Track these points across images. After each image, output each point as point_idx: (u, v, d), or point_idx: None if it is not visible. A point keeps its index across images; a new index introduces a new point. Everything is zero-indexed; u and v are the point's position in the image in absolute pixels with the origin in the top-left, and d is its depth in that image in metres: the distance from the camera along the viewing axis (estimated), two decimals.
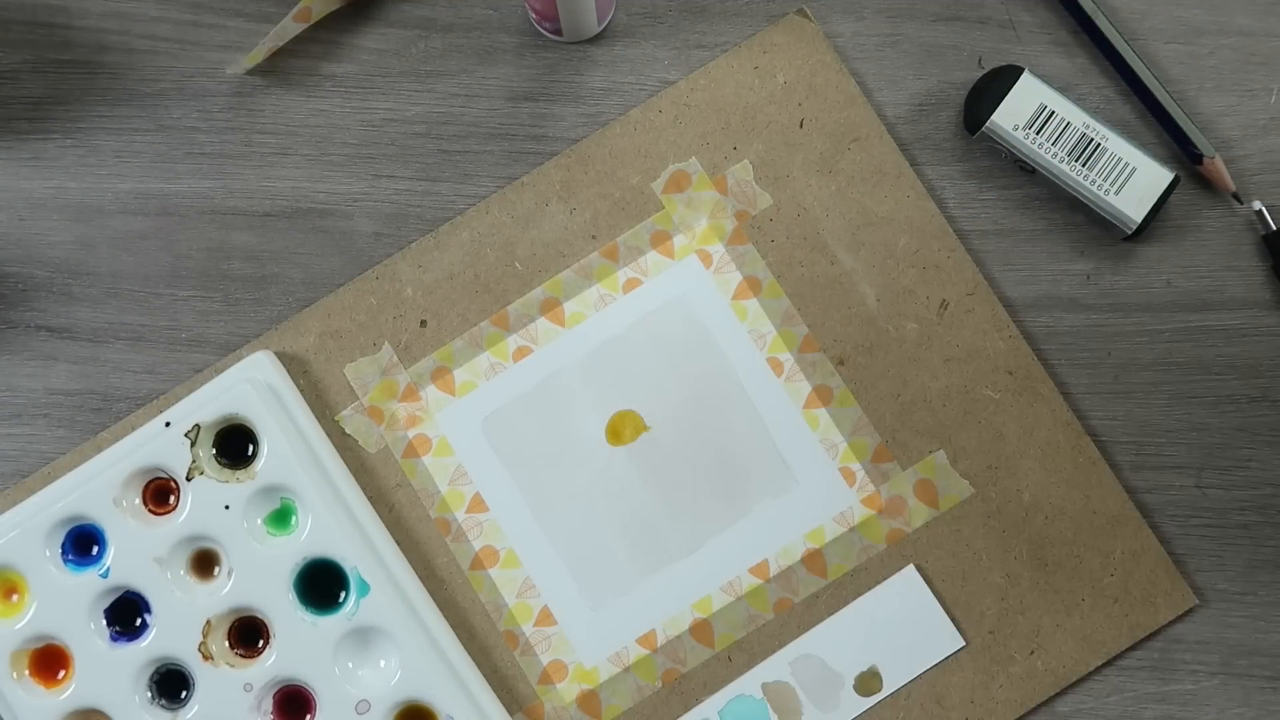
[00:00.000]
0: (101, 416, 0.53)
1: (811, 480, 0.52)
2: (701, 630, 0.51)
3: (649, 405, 0.52)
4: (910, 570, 0.51)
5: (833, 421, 0.52)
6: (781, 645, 0.51)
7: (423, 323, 0.52)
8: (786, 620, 0.51)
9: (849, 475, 0.52)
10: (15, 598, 0.51)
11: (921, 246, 0.52)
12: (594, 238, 0.53)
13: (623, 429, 0.52)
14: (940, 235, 0.52)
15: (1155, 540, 0.51)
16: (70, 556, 0.51)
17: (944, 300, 0.52)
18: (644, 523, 0.52)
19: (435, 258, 0.53)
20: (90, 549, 0.51)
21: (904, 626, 0.51)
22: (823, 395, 0.52)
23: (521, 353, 0.52)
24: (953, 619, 0.51)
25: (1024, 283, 0.53)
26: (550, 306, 0.52)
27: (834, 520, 0.51)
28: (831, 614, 0.51)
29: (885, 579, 0.51)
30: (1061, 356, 0.53)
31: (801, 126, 0.53)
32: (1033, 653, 0.51)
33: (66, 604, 0.50)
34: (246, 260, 0.53)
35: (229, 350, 0.53)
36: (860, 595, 0.51)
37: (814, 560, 0.51)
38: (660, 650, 0.51)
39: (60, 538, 0.51)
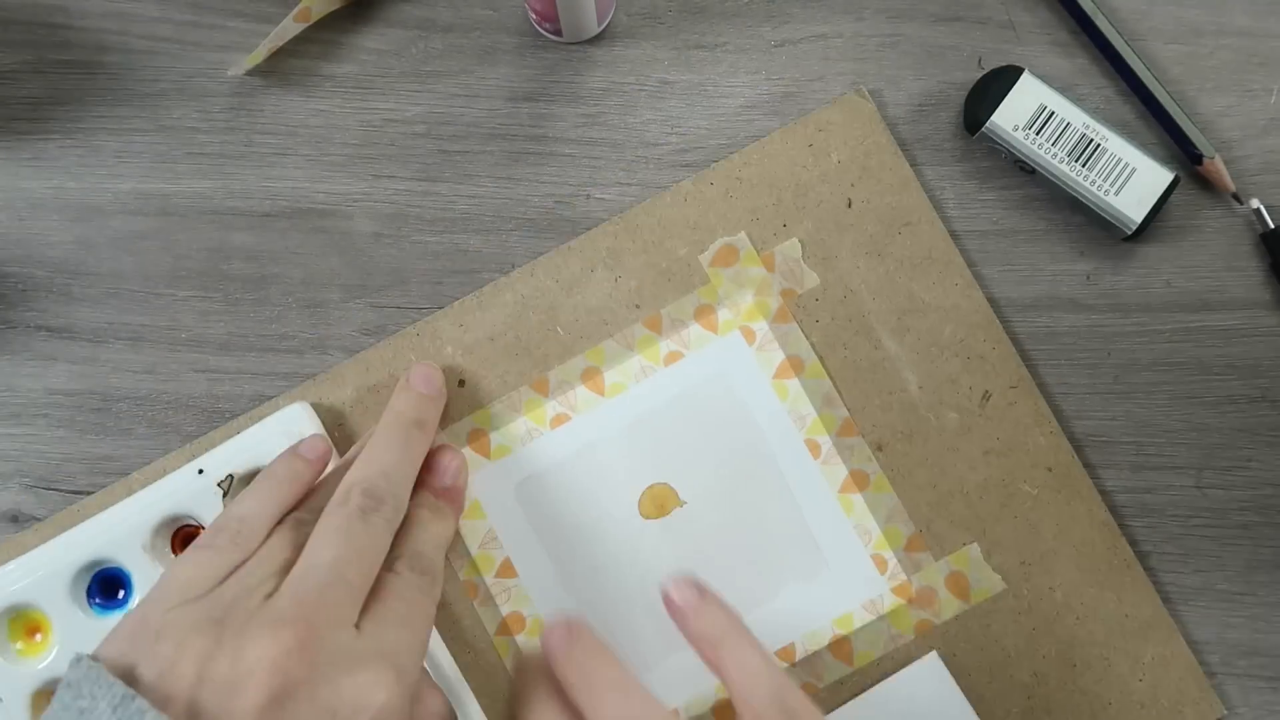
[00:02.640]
0: (101, 416, 0.53)
1: (843, 565, 0.51)
2: (724, 713, 0.51)
3: (684, 480, 0.52)
4: (933, 657, 0.51)
5: (868, 507, 0.51)
6: None
7: (461, 382, 0.52)
8: None
9: (881, 562, 0.51)
10: (39, 637, 0.51)
11: (967, 336, 0.52)
12: (638, 307, 0.52)
13: (656, 503, 0.52)
14: (986, 325, 0.52)
15: (1185, 647, 0.51)
16: (96, 600, 0.51)
17: (986, 391, 0.52)
18: None
19: (477, 318, 0.52)
20: (117, 593, 0.51)
21: (927, 717, 0.51)
22: (859, 480, 0.51)
23: (559, 420, 0.52)
24: (977, 715, 0.51)
25: (1024, 283, 0.53)
26: (591, 375, 0.52)
27: (863, 607, 0.51)
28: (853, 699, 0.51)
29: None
30: (1061, 357, 0.52)
31: (852, 207, 0.52)
32: None
33: (90, 647, 0.50)
34: (246, 260, 0.53)
35: (229, 350, 0.53)
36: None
37: (841, 646, 0.51)
38: None
39: (86, 581, 0.50)
